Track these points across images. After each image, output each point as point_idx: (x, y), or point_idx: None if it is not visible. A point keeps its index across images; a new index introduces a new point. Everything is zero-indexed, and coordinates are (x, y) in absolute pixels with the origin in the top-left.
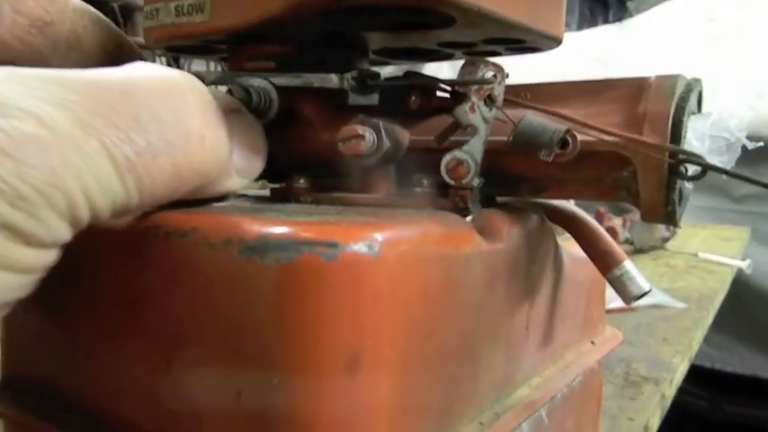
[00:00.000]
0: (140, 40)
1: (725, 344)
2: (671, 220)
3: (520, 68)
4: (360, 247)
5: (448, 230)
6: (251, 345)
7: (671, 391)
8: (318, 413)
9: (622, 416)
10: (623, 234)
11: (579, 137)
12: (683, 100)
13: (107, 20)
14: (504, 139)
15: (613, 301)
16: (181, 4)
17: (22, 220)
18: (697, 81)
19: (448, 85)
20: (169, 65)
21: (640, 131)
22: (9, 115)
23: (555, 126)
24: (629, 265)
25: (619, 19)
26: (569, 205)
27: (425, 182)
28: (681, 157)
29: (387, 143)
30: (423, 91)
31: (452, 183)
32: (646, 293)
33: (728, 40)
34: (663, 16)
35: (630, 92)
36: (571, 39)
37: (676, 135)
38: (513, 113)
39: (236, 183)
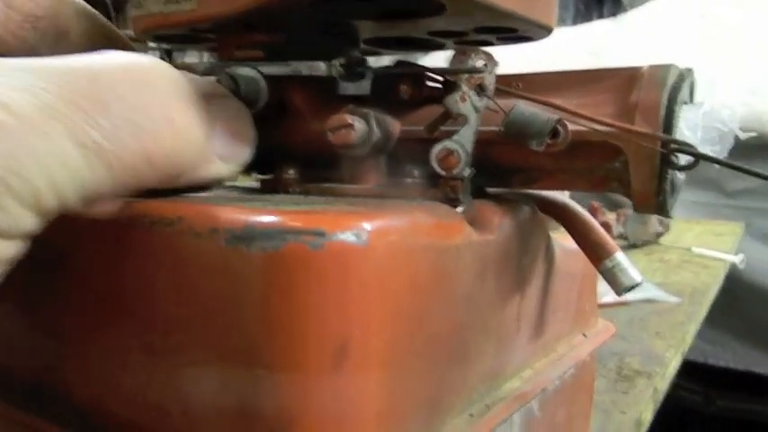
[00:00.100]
0: (131, 32)
1: (718, 339)
2: (662, 210)
3: (515, 62)
4: (347, 236)
5: (438, 221)
6: (237, 335)
7: (664, 386)
8: (305, 404)
9: (615, 410)
10: (617, 229)
11: (571, 127)
12: (676, 90)
13: (96, 12)
14: (496, 129)
15: (606, 295)
16: None
17: None
18: (689, 71)
19: (438, 74)
20: (162, 59)
21: (632, 121)
22: None
23: (546, 115)
24: (620, 256)
25: (613, 14)
26: (561, 196)
27: (416, 172)
28: (672, 146)
29: (377, 133)
30: (413, 80)
31: (443, 173)
32: (637, 285)
33: (721, 37)
34: (656, 12)
35: (623, 81)
36: (566, 33)
37: (668, 125)
38: (505, 103)
39: (221, 169)
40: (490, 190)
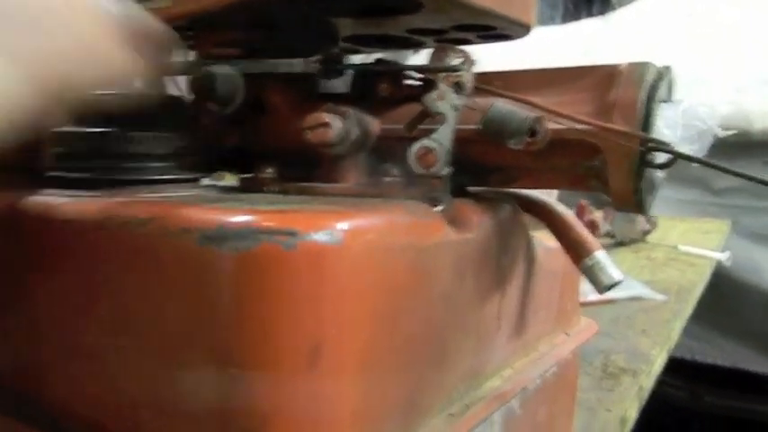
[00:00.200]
0: None
1: (705, 336)
2: (640, 208)
3: (502, 62)
4: (320, 236)
5: (415, 220)
6: (210, 336)
7: (649, 383)
8: (279, 404)
9: (600, 407)
10: (604, 227)
11: (550, 125)
12: (654, 88)
13: None
14: (475, 127)
15: (592, 293)
16: None
17: None
18: (668, 69)
19: (415, 72)
20: None
21: (610, 119)
22: None
23: (524, 114)
24: (600, 254)
25: (602, 13)
26: (542, 195)
27: (396, 171)
28: (650, 144)
29: (355, 131)
30: (393, 78)
31: (421, 171)
32: (617, 283)
33: (708, 35)
34: (644, 11)
35: (601, 80)
36: (555, 32)
37: (646, 123)
38: (484, 101)
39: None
40: (471, 189)
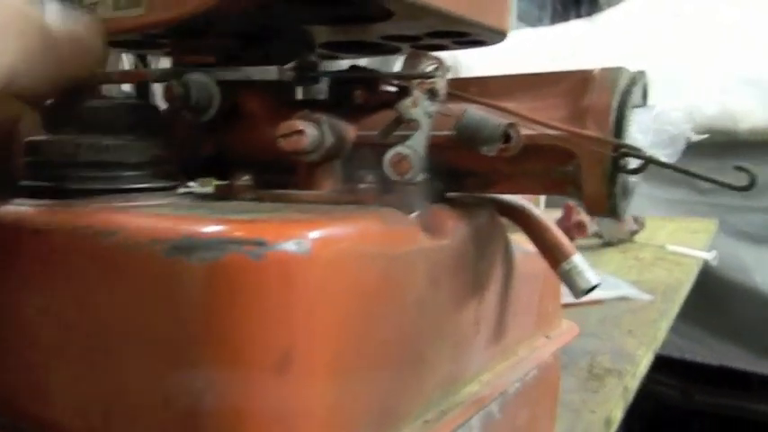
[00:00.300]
0: None
1: (694, 334)
2: (614, 213)
3: (490, 64)
4: (289, 246)
5: (387, 227)
6: (179, 347)
7: (634, 384)
8: (249, 414)
9: (585, 409)
10: (592, 227)
11: (524, 131)
12: (627, 93)
13: None
14: (450, 133)
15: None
16: None
17: None
18: (642, 74)
19: (389, 78)
20: (136, 66)
21: (584, 125)
22: None
23: (497, 120)
24: (577, 259)
25: (590, 14)
26: (520, 200)
27: (371, 178)
28: (622, 150)
29: (330, 138)
30: (368, 85)
31: (396, 178)
32: (594, 288)
33: (695, 36)
34: (631, 12)
35: (575, 85)
36: (544, 34)
37: (619, 128)
38: (458, 108)
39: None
40: (450, 194)
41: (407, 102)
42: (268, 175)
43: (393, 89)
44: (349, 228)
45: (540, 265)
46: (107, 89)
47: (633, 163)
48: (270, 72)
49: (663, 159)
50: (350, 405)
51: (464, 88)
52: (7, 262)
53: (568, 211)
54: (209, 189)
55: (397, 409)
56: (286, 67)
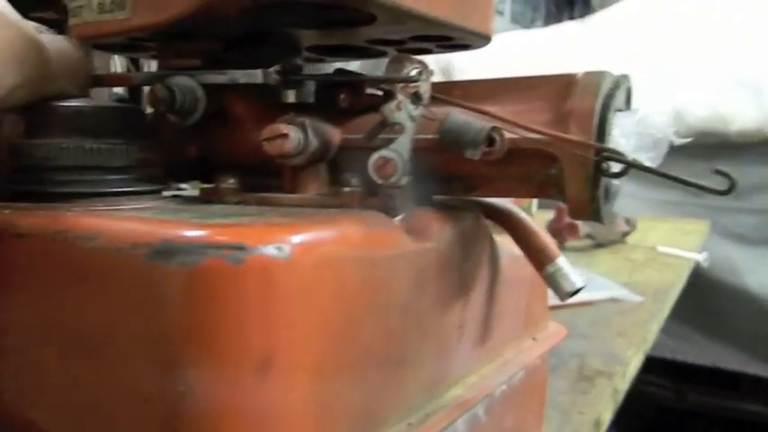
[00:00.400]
0: None
1: (685, 335)
2: (597, 216)
3: (484, 66)
4: (269, 250)
5: (369, 231)
6: (159, 350)
7: (624, 385)
8: (228, 419)
9: (573, 410)
10: (584, 229)
11: (508, 135)
12: (610, 97)
13: None
14: (434, 137)
15: None
16: (103, 2)
17: None
18: (625, 77)
19: (374, 82)
20: (128, 69)
21: (567, 129)
22: None
23: (480, 124)
24: (562, 261)
25: (584, 15)
26: (505, 203)
27: (356, 181)
28: (604, 154)
29: (314, 142)
30: (353, 88)
31: (380, 181)
32: (579, 290)
33: (688, 38)
34: (627, 12)
35: (558, 89)
36: (537, 35)
37: (602, 132)
38: (442, 111)
39: None
40: (436, 197)
41: (392, 105)
42: (253, 178)
43: (378, 93)
44: (331, 231)
45: (527, 267)
46: (96, 92)
47: (616, 167)
48: (255, 75)
49: (646, 163)
50: (331, 408)
51: (448, 92)
52: None
53: (560, 213)
54: (197, 192)
55: (380, 412)
56: (271, 70)
